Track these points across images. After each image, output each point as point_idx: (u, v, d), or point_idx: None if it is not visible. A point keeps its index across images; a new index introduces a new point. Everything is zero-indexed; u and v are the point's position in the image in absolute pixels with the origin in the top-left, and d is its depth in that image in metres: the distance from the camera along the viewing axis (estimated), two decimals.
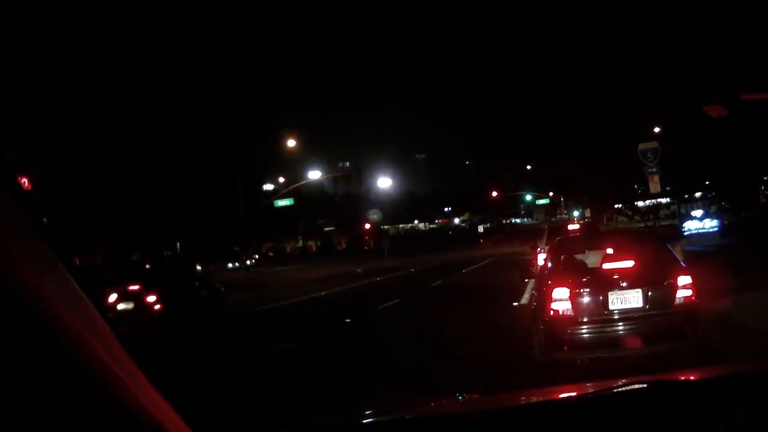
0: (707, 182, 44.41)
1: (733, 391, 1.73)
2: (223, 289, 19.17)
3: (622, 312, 6.78)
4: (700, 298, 7.06)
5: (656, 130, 26.92)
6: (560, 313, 6.84)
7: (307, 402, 6.04)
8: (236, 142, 48.58)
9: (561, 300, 6.86)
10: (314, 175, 42.38)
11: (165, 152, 36.98)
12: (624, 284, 6.85)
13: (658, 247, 7.93)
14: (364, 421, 1.92)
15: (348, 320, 14.20)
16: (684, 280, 6.94)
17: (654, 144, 16.10)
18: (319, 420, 2.19)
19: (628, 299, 6.82)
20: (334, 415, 2.19)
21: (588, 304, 6.85)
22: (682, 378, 2.08)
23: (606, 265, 7.16)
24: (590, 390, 1.99)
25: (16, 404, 0.98)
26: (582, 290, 6.89)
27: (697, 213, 36.92)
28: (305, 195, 62.20)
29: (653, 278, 6.98)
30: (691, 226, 33.86)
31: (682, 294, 6.87)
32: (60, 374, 0.99)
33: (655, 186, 15.66)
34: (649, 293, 6.82)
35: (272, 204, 34.56)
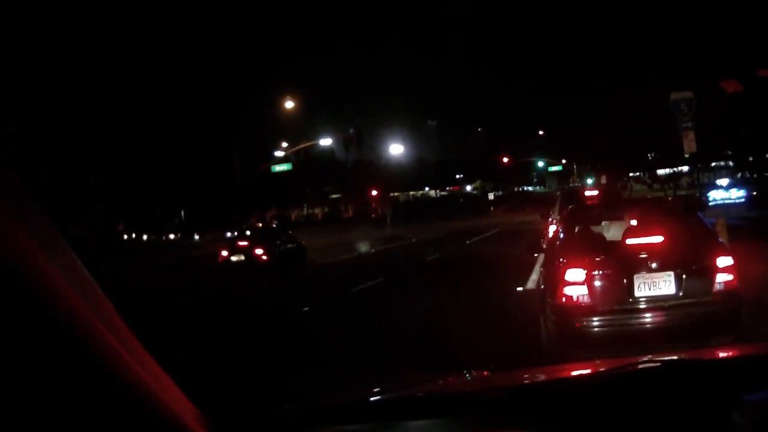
0: (729, 152, 42.46)
1: (750, 372, 1.67)
2: (304, 243, 21.37)
3: (650, 300, 5.61)
4: (742, 283, 5.84)
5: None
6: (574, 299, 5.68)
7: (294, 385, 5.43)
8: (244, 112, 47.41)
9: (575, 284, 5.70)
10: (322, 142, 41.08)
11: (162, 119, 35.80)
12: (653, 265, 5.65)
13: (691, 220, 6.65)
14: (372, 398, 1.88)
15: (306, 309, 11.49)
16: (724, 261, 5.77)
17: (688, 93, 12.95)
18: (326, 398, 1.99)
19: (658, 284, 5.63)
20: (337, 394, 1.98)
21: (609, 290, 5.70)
22: (697, 358, 2.01)
23: (630, 240, 5.90)
24: (603, 368, 1.95)
25: (17, 383, 0.92)
26: (601, 272, 5.73)
27: (723, 182, 34.99)
28: (312, 162, 61.12)
29: (688, 258, 5.78)
30: (716, 196, 31.93)
31: (722, 278, 5.68)
32: (60, 350, 0.95)
33: (689, 144, 12.75)
34: (684, 277, 5.61)
35: (269, 169, 33.18)
